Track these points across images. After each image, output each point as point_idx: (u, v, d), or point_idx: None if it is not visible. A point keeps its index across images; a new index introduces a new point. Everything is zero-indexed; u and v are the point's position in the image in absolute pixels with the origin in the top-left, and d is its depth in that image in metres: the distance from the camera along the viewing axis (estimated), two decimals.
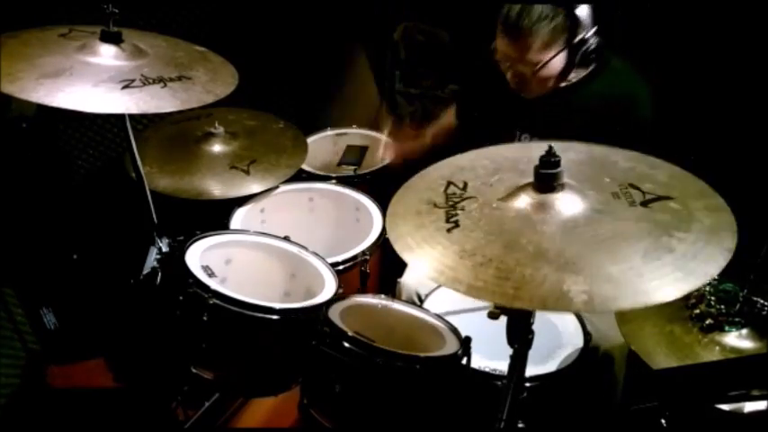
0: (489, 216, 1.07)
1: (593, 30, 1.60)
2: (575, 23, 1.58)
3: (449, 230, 1.05)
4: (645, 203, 1.07)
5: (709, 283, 1.48)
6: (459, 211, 1.08)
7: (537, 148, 1.10)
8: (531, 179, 1.09)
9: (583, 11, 1.58)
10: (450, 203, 1.11)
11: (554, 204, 1.05)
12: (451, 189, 1.15)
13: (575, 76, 1.70)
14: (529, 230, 1.02)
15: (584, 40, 1.60)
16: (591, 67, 1.70)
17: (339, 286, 1.64)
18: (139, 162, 1.62)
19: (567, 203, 1.05)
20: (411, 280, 1.84)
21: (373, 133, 2.50)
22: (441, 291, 1.78)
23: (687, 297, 1.50)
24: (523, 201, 1.07)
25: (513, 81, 1.70)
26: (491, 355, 1.51)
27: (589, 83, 1.72)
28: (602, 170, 1.15)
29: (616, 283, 0.93)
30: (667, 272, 0.93)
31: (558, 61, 1.62)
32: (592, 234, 1.00)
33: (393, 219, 1.13)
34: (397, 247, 1.06)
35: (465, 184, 1.15)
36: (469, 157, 1.26)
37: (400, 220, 1.11)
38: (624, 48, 1.72)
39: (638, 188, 1.10)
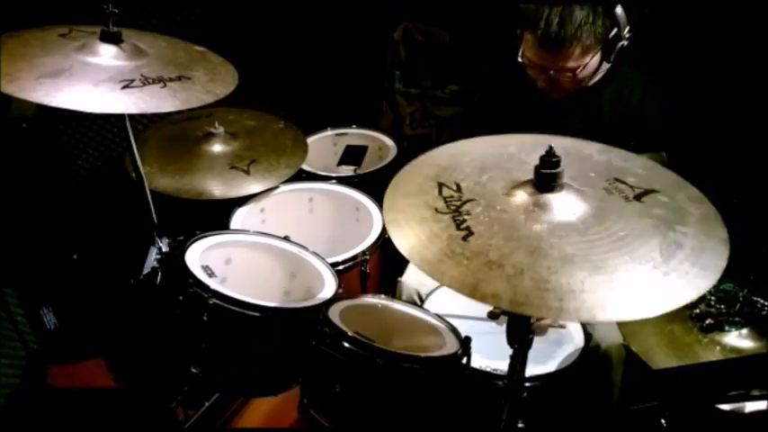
0: (499, 220, 0.99)
1: (627, 27, 1.57)
2: (614, 23, 1.55)
3: (464, 239, 0.96)
4: (638, 198, 1.04)
5: None
6: (465, 216, 1.00)
7: (512, 143, 1.06)
8: (519, 176, 1.04)
9: (619, 9, 1.56)
10: (452, 208, 1.02)
11: (559, 204, 1.01)
12: (446, 192, 1.06)
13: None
14: (545, 233, 0.96)
15: (618, 37, 1.56)
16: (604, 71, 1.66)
17: (339, 286, 1.64)
18: (139, 162, 1.62)
19: (572, 202, 1.02)
20: (411, 279, 1.84)
21: (373, 133, 2.50)
22: (441, 290, 1.78)
23: None
24: (526, 201, 1.01)
25: (544, 86, 1.67)
26: (491, 354, 1.51)
27: (601, 88, 1.70)
28: (583, 165, 1.11)
29: (652, 285, 0.89)
30: (686, 268, 0.91)
31: (594, 62, 1.59)
32: (607, 234, 0.97)
33: (398, 228, 1.02)
34: (415, 262, 0.97)
35: (458, 186, 1.08)
36: (447, 154, 1.18)
37: (407, 229, 1.01)
38: (635, 54, 1.69)
39: (624, 182, 1.07)
